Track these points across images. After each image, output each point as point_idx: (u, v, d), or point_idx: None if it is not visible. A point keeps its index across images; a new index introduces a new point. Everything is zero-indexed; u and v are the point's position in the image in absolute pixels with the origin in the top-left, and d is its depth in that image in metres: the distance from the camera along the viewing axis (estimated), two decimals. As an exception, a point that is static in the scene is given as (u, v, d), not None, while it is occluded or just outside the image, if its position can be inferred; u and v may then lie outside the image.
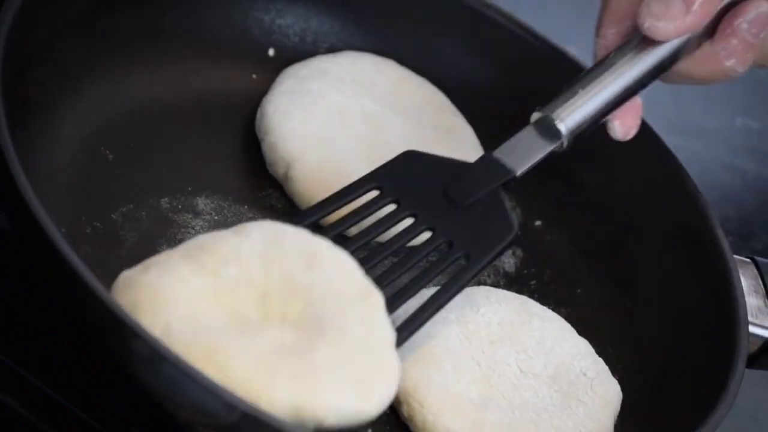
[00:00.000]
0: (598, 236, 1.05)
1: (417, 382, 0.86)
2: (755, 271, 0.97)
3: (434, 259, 0.88)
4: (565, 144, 0.90)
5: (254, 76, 1.08)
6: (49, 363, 0.83)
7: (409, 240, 0.88)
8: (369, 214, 0.88)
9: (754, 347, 0.94)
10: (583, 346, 0.94)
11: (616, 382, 0.92)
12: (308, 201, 0.97)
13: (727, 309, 0.93)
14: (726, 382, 0.87)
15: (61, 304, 0.80)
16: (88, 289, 0.73)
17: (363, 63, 1.09)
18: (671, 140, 1.06)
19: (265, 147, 1.00)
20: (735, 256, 0.97)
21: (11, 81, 0.82)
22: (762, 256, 0.99)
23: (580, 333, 0.96)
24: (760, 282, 0.97)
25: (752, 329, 0.93)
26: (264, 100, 1.03)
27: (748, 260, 0.98)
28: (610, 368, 0.95)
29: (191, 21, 1.04)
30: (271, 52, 1.09)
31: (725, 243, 0.97)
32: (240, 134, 1.03)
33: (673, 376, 0.94)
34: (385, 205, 0.89)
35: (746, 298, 0.94)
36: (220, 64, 1.06)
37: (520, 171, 0.90)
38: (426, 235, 0.88)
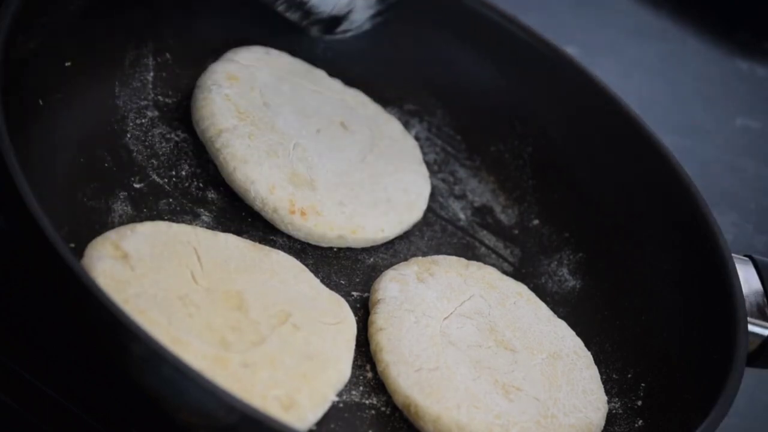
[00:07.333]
0: (597, 236, 1.05)
1: (423, 385, 0.87)
2: (754, 270, 0.97)
3: None
4: None
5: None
6: (49, 363, 0.83)
7: None
8: None
9: (753, 345, 0.94)
10: (562, 329, 0.97)
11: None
12: None
13: (725, 308, 0.93)
14: (725, 380, 0.87)
15: (61, 304, 0.80)
16: (87, 291, 0.74)
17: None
18: (671, 140, 1.06)
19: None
20: (734, 255, 0.97)
21: (10, 85, 0.82)
22: (762, 256, 1.00)
23: (579, 332, 0.97)
24: (759, 281, 0.97)
25: (751, 328, 0.93)
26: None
27: (747, 259, 0.98)
28: (608, 367, 0.96)
29: (188, 22, 1.04)
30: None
31: (724, 242, 0.97)
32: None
33: (672, 374, 0.94)
34: None
35: (745, 297, 0.94)
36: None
37: None
38: None
